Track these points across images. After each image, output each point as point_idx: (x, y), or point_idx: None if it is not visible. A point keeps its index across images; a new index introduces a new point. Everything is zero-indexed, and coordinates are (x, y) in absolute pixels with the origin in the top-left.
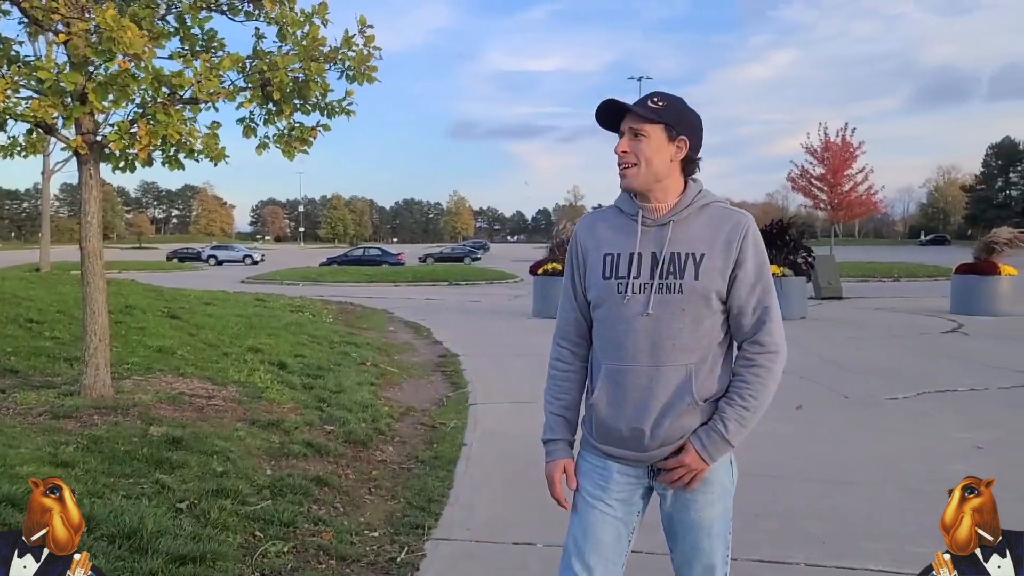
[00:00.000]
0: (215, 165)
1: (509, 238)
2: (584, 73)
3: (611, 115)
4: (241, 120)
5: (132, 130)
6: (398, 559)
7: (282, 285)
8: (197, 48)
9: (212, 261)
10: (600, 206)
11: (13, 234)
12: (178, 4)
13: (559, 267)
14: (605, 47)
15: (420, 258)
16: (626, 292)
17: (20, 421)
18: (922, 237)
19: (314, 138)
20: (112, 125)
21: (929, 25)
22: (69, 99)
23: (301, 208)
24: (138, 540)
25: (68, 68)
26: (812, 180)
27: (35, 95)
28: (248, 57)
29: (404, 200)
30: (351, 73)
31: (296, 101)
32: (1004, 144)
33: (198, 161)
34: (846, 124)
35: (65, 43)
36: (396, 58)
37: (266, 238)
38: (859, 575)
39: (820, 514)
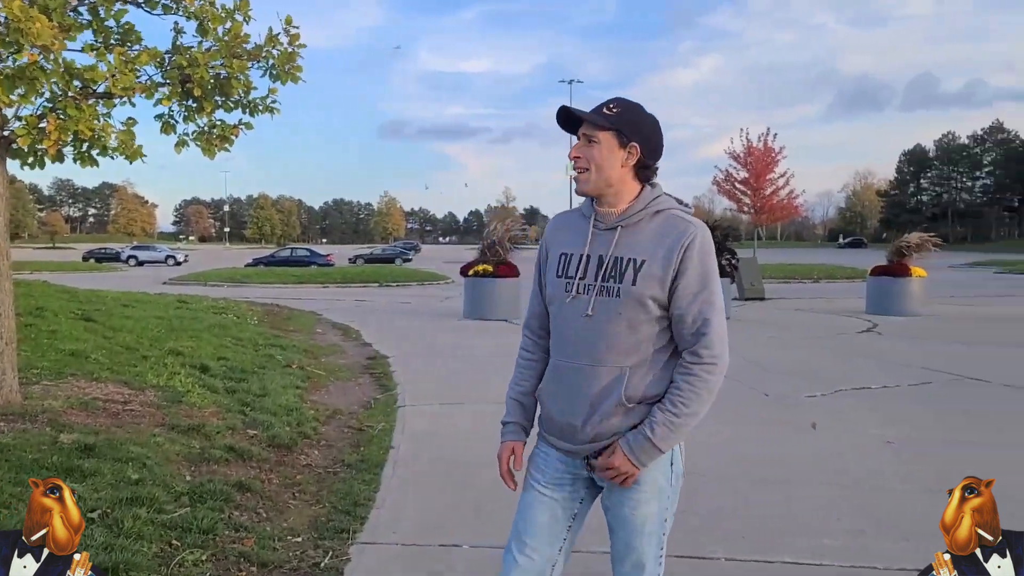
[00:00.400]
0: (131, 163)
1: (441, 239)
2: (516, 75)
3: (573, 120)
4: (160, 116)
5: (41, 125)
6: (322, 564)
7: (206, 286)
8: (112, 41)
9: (132, 262)
10: (534, 212)
11: None
12: None
13: (489, 268)
14: (537, 50)
15: (350, 259)
16: (571, 292)
17: None
18: (840, 240)
19: (236, 136)
20: (20, 119)
21: (847, 36)
22: None
23: (226, 208)
24: None
25: None
26: (736, 184)
27: None
28: (167, 52)
29: (333, 200)
30: (275, 72)
31: (218, 98)
32: (916, 151)
33: (113, 158)
34: (768, 130)
35: None
36: (325, 56)
37: (190, 238)
38: (777, 568)
39: (740, 510)
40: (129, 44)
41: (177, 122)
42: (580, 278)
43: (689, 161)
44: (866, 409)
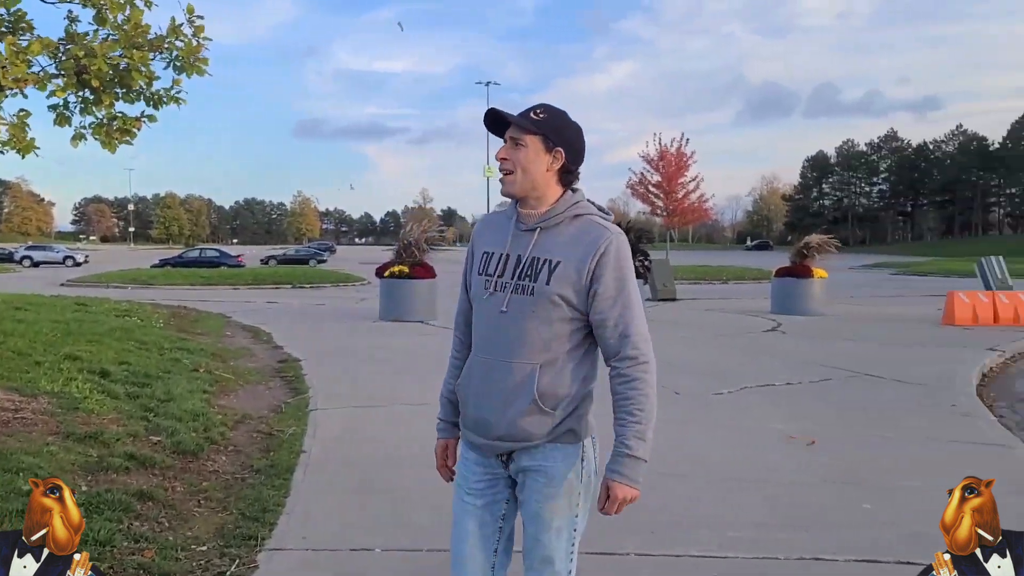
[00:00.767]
0: (23, 157)
1: (357, 240)
2: (433, 76)
3: (499, 123)
4: (54, 108)
5: None
6: (228, 573)
7: (108, 288)
8: (3, 29)
9: (27, 263)
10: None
11: None
12: None
13: (406, 269)
14: (454, 51)
15: (262, 260)
16: (490, 289)
17: None
18: (748, 242)
19: (138, 129)
20: None
21: (755, 45)
22: None
23: (131, 207)
24: None
25: None
26: (650, 187)
27: None
28: (61, 40)
29: (245, 200)
30: (179, 64)
31: (117, 90)
32: (818, 157)
33: (3, 152)
34: (681, 135)
35: None
36: (238, 52)
37: (91, 238)
38: (685, 561)
39: (650, 505)
40: (20, 32)
41: (73, 114)
42: (498, 276)
43: (604, 164)
44: (770, 405)
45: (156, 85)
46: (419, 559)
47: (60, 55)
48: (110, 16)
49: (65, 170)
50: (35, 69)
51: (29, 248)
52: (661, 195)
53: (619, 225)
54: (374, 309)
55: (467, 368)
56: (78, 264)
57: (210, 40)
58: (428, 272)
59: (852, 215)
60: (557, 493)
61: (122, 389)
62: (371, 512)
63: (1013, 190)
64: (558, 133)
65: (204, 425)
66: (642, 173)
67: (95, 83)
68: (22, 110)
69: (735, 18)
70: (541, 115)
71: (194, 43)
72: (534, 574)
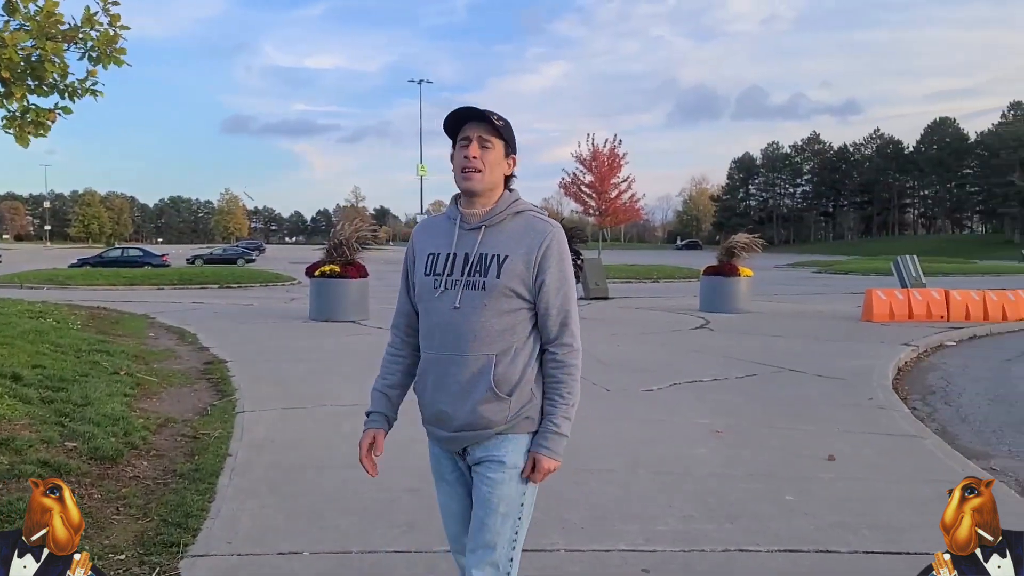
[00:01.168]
0: None
1: (287, 239)
2: (364, 73)
3: (458, 122)
4: None
5: None
6: None
7: (22, 289)
8: None
9: None
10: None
11: None
12: None
13: (337, 268)
14: (384, 49)
15: (188, 259)
16: (440, 288)
17: None
18: (678, 242)
19: (52, 122)
20: None
21: (685, 48)
22: None
23: (47, 204)
24: None
25: None
26: (582, 187)
27: None
28: None
29: (170, 198)
30: (95, 54)
31: (30, 82)
32: (744, 159)
33: None
34: (614, 135)
35: None
36: (161, 47)
37: (3, 236)
38: (614, 556)
39: (580, 501)
40: None
41: None
42: (448, 274)
43: (537, 164)
44: (698, 401)
45: (71, 77)
46: (349, 561)
47: None
48: (21, 5)
49: None
50: None
51: None
52: (593, 195)
53: None
54: (304, 309)
55: (421, 367)
56: None
57: (127, 29)
58: (360, 271)
59: (777, 215)
60: (506, 479)
61: (36, 394)
62: (299, 515)
63: (926, 192)
64: (511, 142)
65: (124, 430)
66: (575, 173)
67: (6, 75)
68: None
69: (664, 22)
70: (500, 122)
71: (110, 33)
72: (476, 558)
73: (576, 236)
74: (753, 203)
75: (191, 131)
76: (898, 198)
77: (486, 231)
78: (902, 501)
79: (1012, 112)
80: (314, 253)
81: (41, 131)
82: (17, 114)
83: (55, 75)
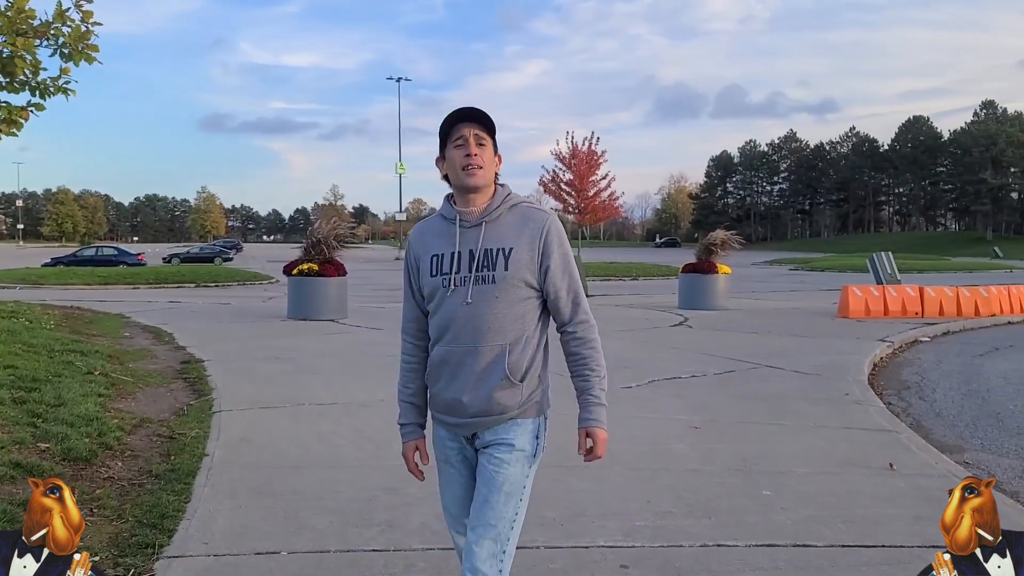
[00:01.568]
0: None
1: (265, 238)
2: (343, 71)
3: (451, 121)
4: None
5: None
6: None
7: None
8: None
9: None
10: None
11: None
12: None
13: (315, 267)
14: (362, 46)
15: (164, 258)
16: (450, 286)
17: None
18: (657, 240)
19: (24, 119)
20: None
21: (663, 47)
22: None
23: (19, 203)
24: None
25: None
26: (562, 185)
27: None
28: None
29: (146, 196)
30: (67, 51)
31: (1, 78)
32: (722, 157)
33: None
34: (592, 133)
35: None
36: (136, 43)
37: None
38: (593, 552)
39: (559, 498)
40: None
41: None
42: (456, 272)
43: (516, 162)
44: (676, 397)
45: (43, 74)
46: (327, 560)
47: None
48: None
49: None
50: None
51: None
52: (573, 193)
53: None
54: (282, 308)
55: (435, 360)
56: None
57: (100, 26)
58: (338, 270)
59: (754, 213)
60: (513, 460)
61: (7, 394)
62: (276, 515)
63: (901, 189)
64: (495, 141)
65: (98, 430)
66: (554, 171)
67: None
68: None
69: (642, 21)
70: (490, 122)
71: (82, 29)
72: (476, 534)
73: None
74: (731, 201)
75: (167, 129)
76: (873, 196)
77: (487, 227)
78: (877, 495)
79: (984, 111)
80: (292, 252)
81: (13, 129)
82: None
83: (26, 72)
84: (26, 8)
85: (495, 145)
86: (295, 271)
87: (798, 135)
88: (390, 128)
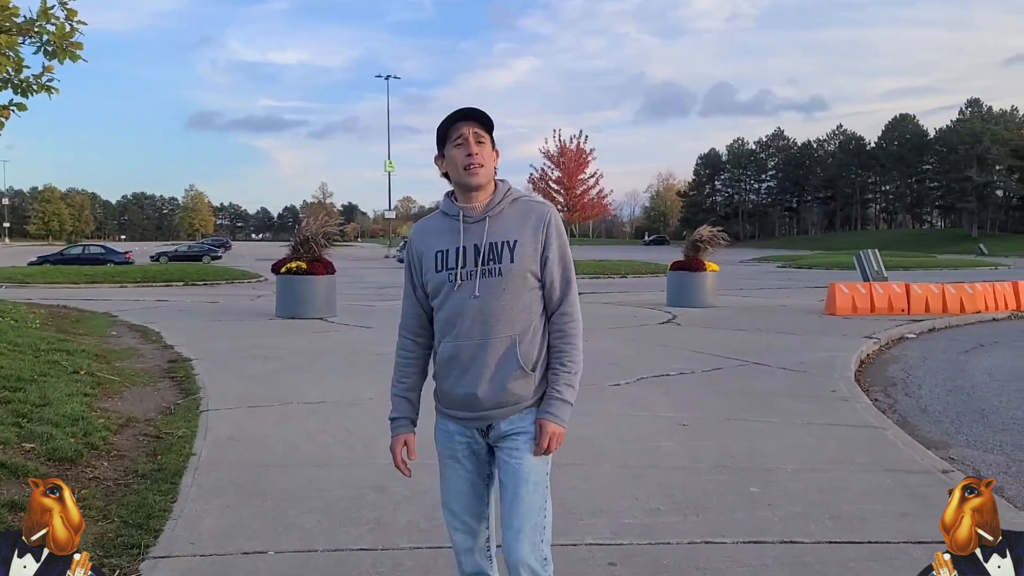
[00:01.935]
0: None
1: (254, 236)
2: (331, 68)
3: (454, 119)
4: None
5: None
6: None
7: None
8: None
9: None
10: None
11: None
12: None
13: (304, 265)
14: (350, 44)
15: (152, 257)
16: (456, 280)
17: None
18: (646, 237)
19: (6, 118)
20: None
21: (652, 45)
22: None
23: (5, 201)
24: None
25: None
26: (550, 183)
27: None
28: None
29: (133, 194)
30: (51, 48)
31: None
32: (710, 155)
33: None
34: (580, 131)
35: None
36: (122, 40)
37: None
38: (581, 550)
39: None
40: None
41: None
42: (461, 266)
43: (505, 160)
44: (664, 395)
45: (26, 71)
46: (314, 560)
47: None
48: None
49: None
50: None
51: None
52: (562, 191)
53: None
54: (271, 306)
55: (444, 356)
56: None
57: (84, 24)
58: (327, 268)
59: (742, 211)
60: (534, 450)
61: None
62: (264, 514)
63: (887, 187)
64: (493, 137)
65: (84, 430)
66: (543, 169)
67: None
68: None
69: (631, 19)
70: (487, 120)
71: (67, 27)
72: (513, 532)
73: None
74: (719, 199)
75: (155, 127)
76: (860, 193)
77: (490, 221)
78: (864, 491)
79: (969, 109)
80: (281, 250)
81: None
82: None
83: (9, 69)
84: (10, 6)
85: (493, 141)
86: (284, 269)
87: (786, 133)
88: (379, 126)
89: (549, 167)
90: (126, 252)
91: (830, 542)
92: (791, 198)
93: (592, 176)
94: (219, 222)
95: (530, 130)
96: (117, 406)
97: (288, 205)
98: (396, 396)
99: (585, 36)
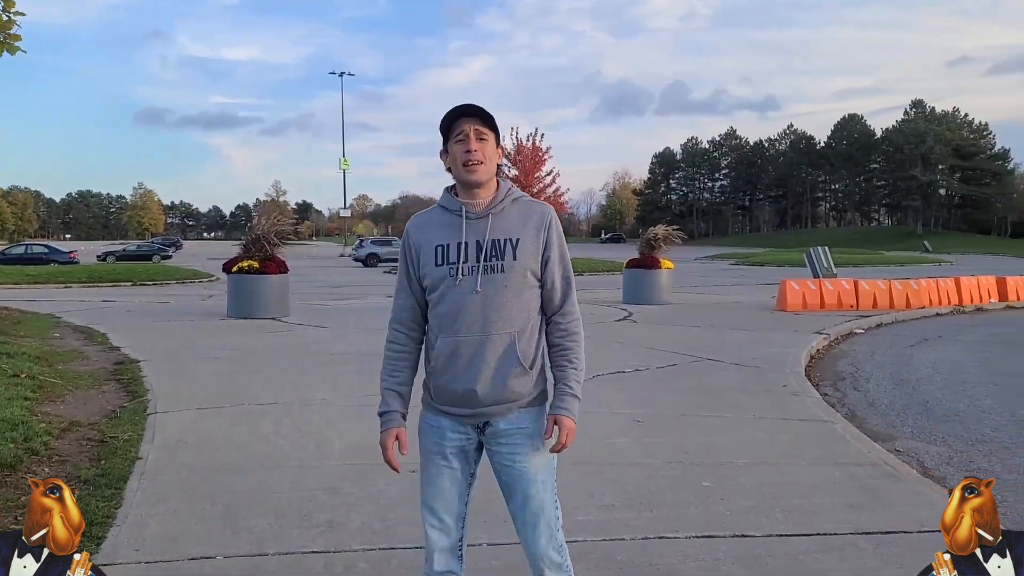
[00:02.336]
0: None
1: (206, 235)
2: (284, 65)
3: (451, 118)
4: None
5: None
6: None
7: None
8: None
9: None
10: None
11: None
12: None
13: (255, 264)
14: (303, 40)
15: (99, 256)
16: (457, 275)
17: None
18: (602, 236)
19: None
20: None
21: (607, 44)
22: None
23: None
24: None
25: None
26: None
27: None
28: None
29: (79, 192)
30: None
31: None
32: (665, 154)
33: None
34: (536, 130)
35: None
36: (66, 34)
37: None
38: None
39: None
40: None
41: None
42: (463, 262)
43: None
44: (620, 391)
45: None
46: (264, 564)
47: None
48: None
49: None
50: None
51: None
52: (518, 189)
53: None
54: (223, 306)
55: (442, 350)
56: None
57: (22, 15)
58: (280, 267)
59: (697, 209)
60: (537, 449)
61: None
62: (213, 519)
63: (837, 186)
64: (499, 135)
65: (24, 435)
66: (499, 167)
67: None
68: None
69: (586, 17)
70: (489, 117)
71: (4, 18)
72: (530, 529)
73: None
74: (674, 197)
75: (102, 123)
76: (811, 192)
77: (493, 218)
78: (813, 484)
79: (913, 109)
80: (233, 249)
81: None
82: None
83: None
84: None
85: (497, 139)
86: (235, 268)
87: (738, 132)
88: (334, 123)
89: (505, 165)
90: (71, 252)
91: (780, 535)
92: (744, 196)
93: (549, 174)
94: (170, 221)
95: None
96: (59, 410)
97: (241, 203)
98: (387, 390)
99: (541, 33)
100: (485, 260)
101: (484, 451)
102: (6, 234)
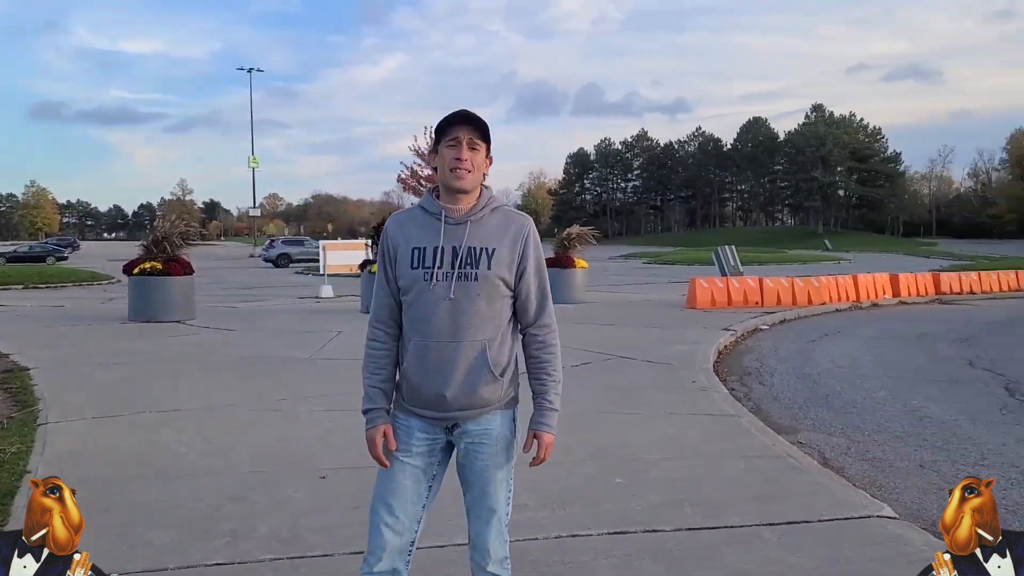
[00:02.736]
0: None
1: (106, 235)
2: (189, 60)
3: (454, 120)
4: None
5: None
6: None
7: None
8: None
9: None
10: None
11: None
12: None
13: (158, 265)
14: (211, 34)
15: None
16: (431, 280)
17: None
18: None
19: None
20: None
21: (522, 45)
22: None
23: None
24: None
25: None
26: (421, 181)
27: None
28: None
29: None
30: None
31: None
32: (580, 154)
33: None
34: None
35: None
36: None
37: None
38: (448, 551)
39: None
40: None
41: None
42: (438, 267)
43: (374, 157)
44: None
45: None
46: None
47: None
48: None
49: None
50: None
51: None
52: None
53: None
54: (123, 309)
55: (414, 352)
56: None
57: None
58: (184, 268)
59: (611, 209)
60: (500, 450)
61: None
62: (108, 532)
63: (743, 187)
64: (490, 145)
65: None
66: (413, 167)
67: None
68: None
69: (499, 17)
70: (484, 126)
71: None
72: (482, 523)
73: None
74: (588, 197)
75: None
76: (718, 192)
77: (471, 226)
78: (721, 478)
79: (814, 113)
80: (135, 250)
81: None
82: None
83: None
84: None
85: (488, 150)
86: (137, 270)
87: (650, 134)
88: (243, 120)
89: (419, 165)
90: None
91: (691, 529)
92: (656, 197)
93: None
94: (66, 220)
95: (401, 127)
96: None
97: (144, 202)
98: (371, 387)
99: (455, 33)
100: (460, 267)
101: (451, 456)
102: None
